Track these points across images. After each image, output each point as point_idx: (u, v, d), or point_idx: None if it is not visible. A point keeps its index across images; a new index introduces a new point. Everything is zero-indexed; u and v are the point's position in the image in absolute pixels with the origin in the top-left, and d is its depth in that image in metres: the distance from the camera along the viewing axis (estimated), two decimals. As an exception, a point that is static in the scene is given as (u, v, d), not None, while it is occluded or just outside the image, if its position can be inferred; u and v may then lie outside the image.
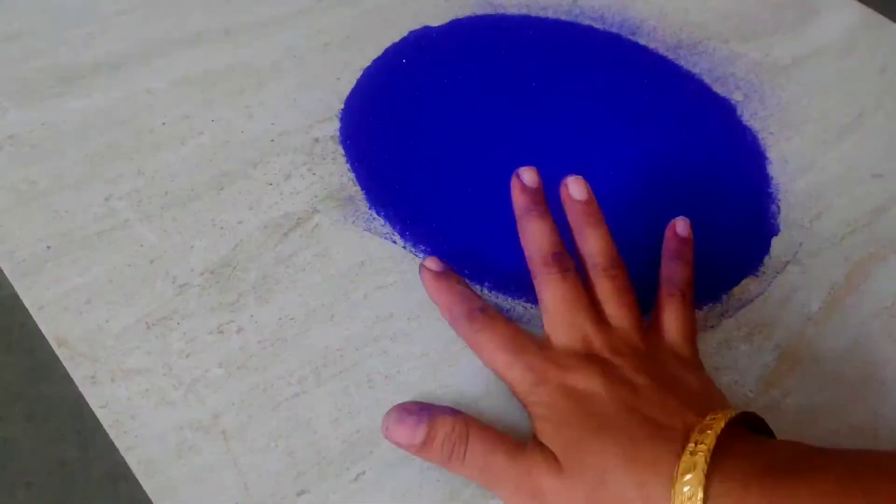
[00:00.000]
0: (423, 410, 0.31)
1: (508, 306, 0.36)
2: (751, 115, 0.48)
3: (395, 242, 0.37)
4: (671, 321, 0.34)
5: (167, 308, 0.33)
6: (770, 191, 0.44)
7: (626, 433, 0.28)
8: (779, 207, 0.43)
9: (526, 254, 0.34)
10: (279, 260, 0.35)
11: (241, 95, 0.42)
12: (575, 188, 0.35)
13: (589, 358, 0.31)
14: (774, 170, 0.45)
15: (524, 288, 0.36)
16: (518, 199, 0.35)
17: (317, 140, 0.41)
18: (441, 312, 0.34)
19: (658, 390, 0.30)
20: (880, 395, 0.36)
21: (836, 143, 0.47)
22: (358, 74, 0.44)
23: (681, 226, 0.37)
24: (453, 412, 0.31)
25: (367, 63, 0.45)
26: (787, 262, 0.40)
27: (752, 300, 0.38)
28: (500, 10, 0.50)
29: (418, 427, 0.30)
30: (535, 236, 0.34)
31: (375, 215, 0.38)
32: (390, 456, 0.31)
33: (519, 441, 0.30)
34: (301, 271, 0.35)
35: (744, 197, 0.43)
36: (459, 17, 0.49)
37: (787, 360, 0.36)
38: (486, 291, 0.36)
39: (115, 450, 0.29)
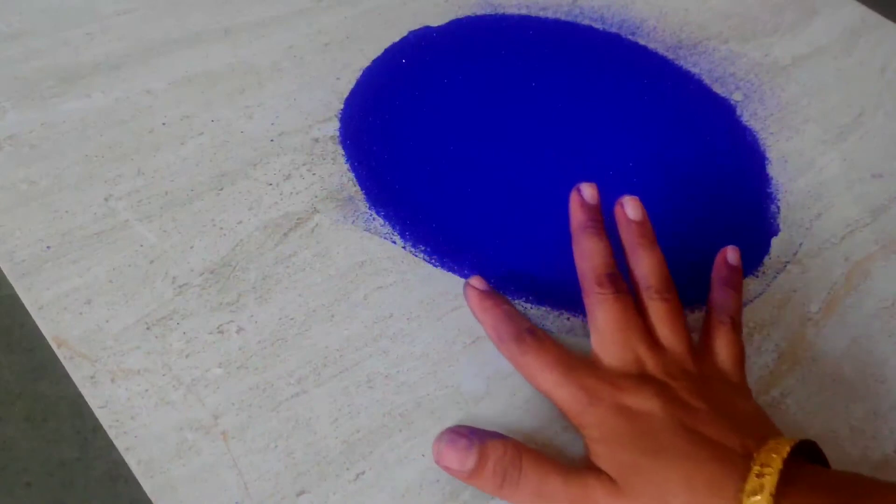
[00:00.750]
0: (473, 434, 0.30)
1: (508, 306, 0.36)
2: (751, 115, 0.48)
3: (394, 242, 0.37)
4: (722, 347, 0.33)
5: (167, 308, 0.33)
6: (770, 191, 0.44)
7: (686, 454, 0.28)
8: (779, 207, 0.43)
9: (578, 271, 0.34)
10: (279, 260, 0.35)
11: (241, 95, 0.42)
12: (630, 208, 0.36)
13: (643, 378, 0.31)
14: (774, 170, 0.45)
15: (524, 288, 0.36)
16: (576, 215, 0.35)
17: (317, 140, 0.40)
18: (486, 332, 0.34)
19: (714, 413, 0.30)
20: (880, 395, 0.36)
21: (836, 142, 0.47)
22: (358, 74, 0.44)
23: (731, 254, 0.37)
24: (503, 437, 0.30)
25: (367, 63, 0.45)
26: (787, 262, 0.40)
27: (752, 300, 0.38)
28: (500, 10, 0.50)
29: (470, 451, 0.29)
30: (590, 254, 0.34)
31: (375, 215, 0.38)
32: (390, 456, 0.31)
33: (571, 465, 0.30)
34: (301, 271, 0.35)
35: (744, 197, 0.43)
36: (459, 17, 0.49)
37: (787, 360, 0.36)
38: (486, 291, 0.36)
39: (115, 450, 0.29)
